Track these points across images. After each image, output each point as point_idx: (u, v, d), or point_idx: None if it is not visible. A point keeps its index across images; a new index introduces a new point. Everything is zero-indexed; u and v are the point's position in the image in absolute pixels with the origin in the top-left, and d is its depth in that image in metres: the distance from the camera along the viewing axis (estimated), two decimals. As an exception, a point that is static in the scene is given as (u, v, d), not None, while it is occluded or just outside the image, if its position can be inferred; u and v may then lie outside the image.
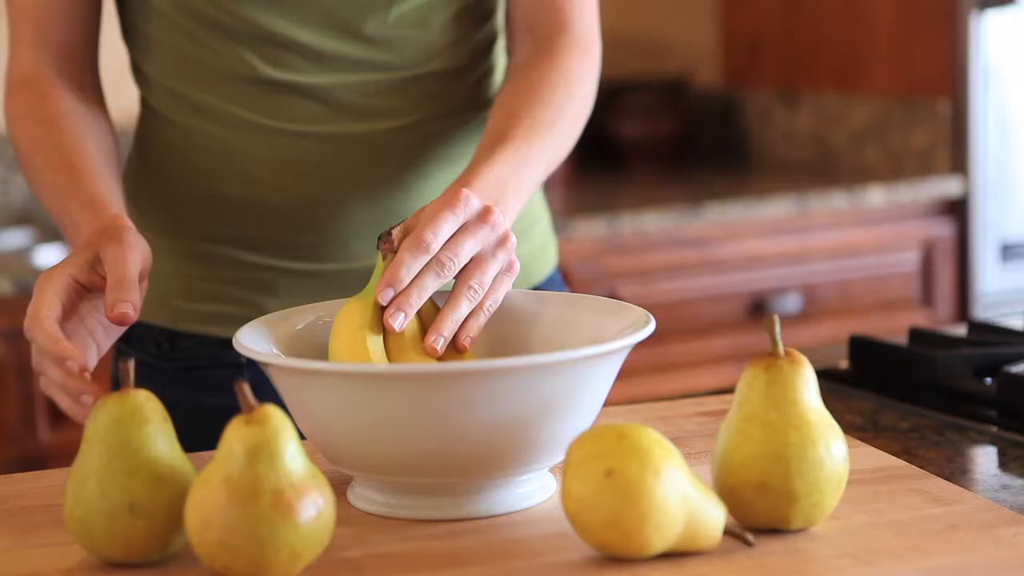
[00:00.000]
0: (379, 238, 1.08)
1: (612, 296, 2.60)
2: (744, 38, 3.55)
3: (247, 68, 1.29)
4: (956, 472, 1.15)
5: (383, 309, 1.06)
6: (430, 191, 1.34)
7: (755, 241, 2.90)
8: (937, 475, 1.06)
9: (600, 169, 3.31)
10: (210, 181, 1.34)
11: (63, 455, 2.38)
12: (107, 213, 1.15)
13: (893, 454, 1.13)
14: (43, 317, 1.07)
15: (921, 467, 1.10)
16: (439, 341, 1.06)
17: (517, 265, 1.12)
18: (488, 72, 1.39)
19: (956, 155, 3.04)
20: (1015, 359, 1.34)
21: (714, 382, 2.74)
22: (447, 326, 1.07)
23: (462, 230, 1.08)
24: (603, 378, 0.98)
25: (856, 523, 0.95)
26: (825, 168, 3.31)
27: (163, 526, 0.91)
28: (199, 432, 1.15)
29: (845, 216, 2.96)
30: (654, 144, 3.39)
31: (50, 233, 2.93)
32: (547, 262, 1.45)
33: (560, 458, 0.98)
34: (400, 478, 0.97)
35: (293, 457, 0.87)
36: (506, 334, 1.12)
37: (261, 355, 0.98)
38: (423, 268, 1.06)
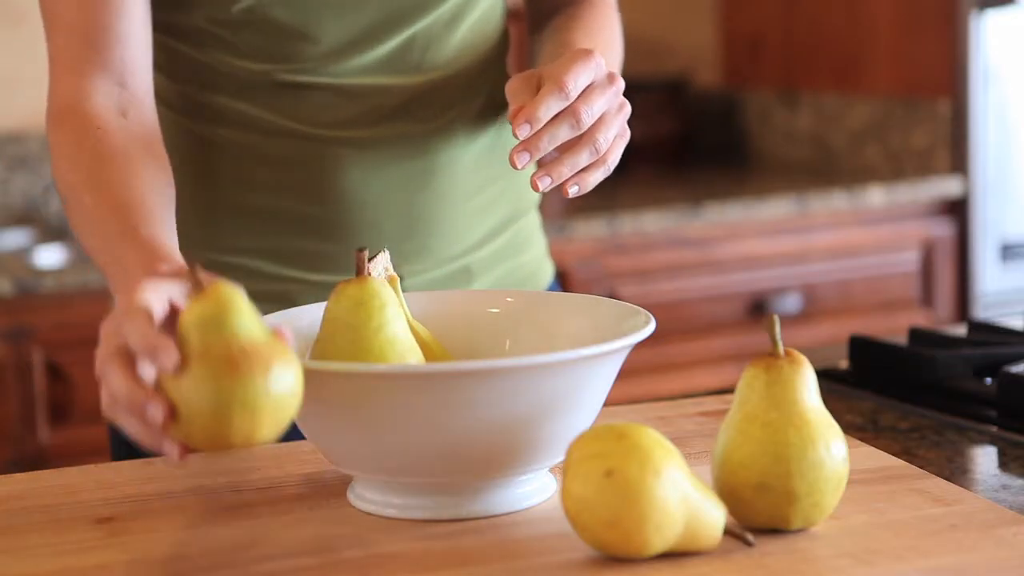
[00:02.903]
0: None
1: (612, 296, 2.60)
2: (744, 38, 3.55)
3: (279, 72, 1.27)
4: (956, 472, 1.15)
5: None
6: (457, 197, 1.33)
7: (755, 241, 2.90)
8: (937, 475, 1.06)
9: (600, 169, 3.31)
10: (235, 190, 1.31)
11: (63, 455, 2.38)
12: (165, 257, 1.03)
13: (893, 454, 1.13)
14: (140, 309, 0.90)
15: (921, 467, 1.10)
16: (545, 181, 1.09)
17: (628, 133, 1.15)
18: (503, 75, 1.39)
19: (956, 155, 3.04)
20: (1015, 359, 1.34)
21: (714, 382, 2.74)
22: (563, 171, 1.10)
23: (593, 87, 1.11)
24: (603, 378, 0.98)
25: (856, 523, 0.95)
26: (825, 168, 3.31)
27: None
28: None
29: (845, 216, 2.96)
30: (654, 144, 3.39)
31: (50, 233, 2.94)
32: (547, 271, 1.46)
33: (560, 458, 0.98)
34: (400, 478, 0.97)
35: (244, 325, 0.86)
36: (505, 334, 1.12)
37: (261, 355, 0.98)
38: (557, 117, 1.09)
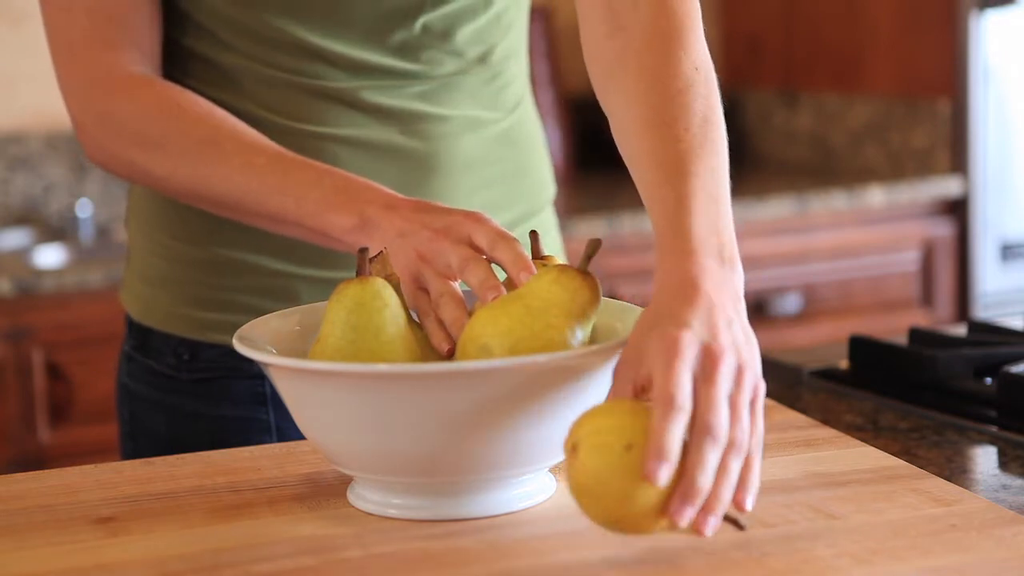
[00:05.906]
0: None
1: (612, 296, 2.60)
2: (744, 38, 3.55)
3: (281, 74, 1.28)
4: (956, 472, 1.15)
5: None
6: (459, 195, 1.32)
7: (755, 241, 2.90)
8: (937, 475, 1.06)
9: (600, 169, 3.31)
10: None
11: (63, 455, 2.38)
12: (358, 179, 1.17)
13: (893, 454, 1.13)
14: (476, 256, 1.05)
15: (921, 467, 1.10)
16: (711, 523, 0.85)
17: (763, 386, 0.91)
18: (511, 81, 1.38)
19: (956, 155, 3.04)
20: (1015, 359, 1.34)
21: (714, 382, 2.73)
22: (721, 501, 0.85)
23: (711, 375, 0.88)
24: (603, 378, 0.98)
25: (856, 523, 0.95)
26: (825, 168, 3.32)
27: None
28: (221, 445, 1.14)
29: (845, 216, 2.96)
30: (654, 144, 3.38)
31: (50, 233, 2.94)
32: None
33: (560, 458, 0.98)
34: (400, 478, 0.97)
35: None
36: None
37: (261, 355, 0.98)
38: (694, 442, 0.86)
